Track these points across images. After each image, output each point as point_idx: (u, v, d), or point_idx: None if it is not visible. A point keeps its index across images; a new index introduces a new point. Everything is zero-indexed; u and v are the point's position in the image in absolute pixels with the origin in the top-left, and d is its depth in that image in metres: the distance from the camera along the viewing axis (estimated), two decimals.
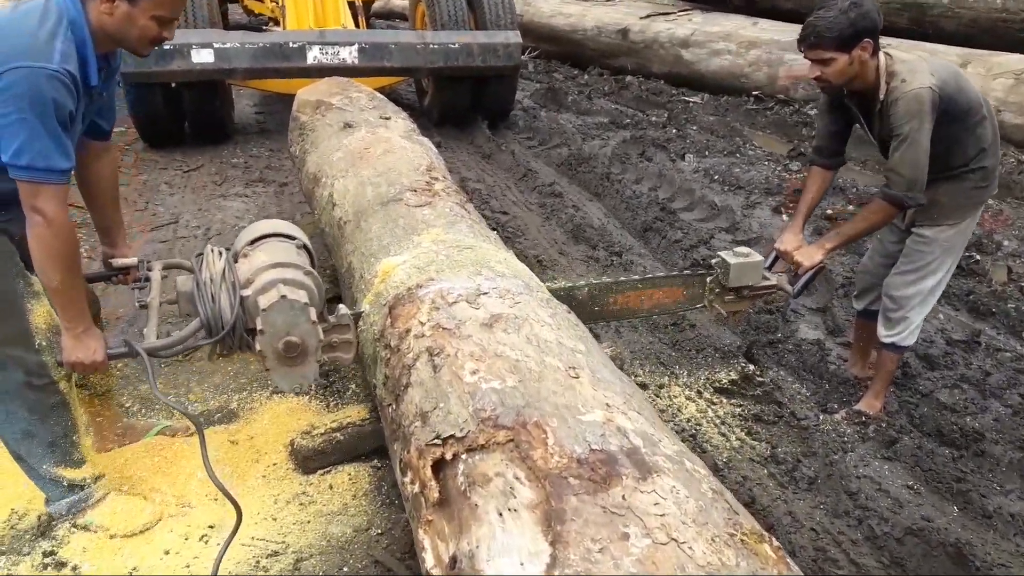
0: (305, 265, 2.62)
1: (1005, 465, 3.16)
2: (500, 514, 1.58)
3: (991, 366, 3.82)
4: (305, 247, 2.80)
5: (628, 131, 8.13)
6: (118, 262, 2.70)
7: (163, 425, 3.07)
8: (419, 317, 2.42)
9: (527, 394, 1.92)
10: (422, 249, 2.86)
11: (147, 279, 2.68)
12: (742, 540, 1.48)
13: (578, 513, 1.48)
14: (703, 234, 5.31)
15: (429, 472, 1.82)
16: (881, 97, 3.08)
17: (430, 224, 3.10)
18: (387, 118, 4.61)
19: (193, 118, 7.27)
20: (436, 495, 1.76)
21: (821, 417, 3.36)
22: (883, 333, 3.50)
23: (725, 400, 3.51)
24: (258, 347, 2.47)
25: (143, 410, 3.25)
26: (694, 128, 8.30)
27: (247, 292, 2.50)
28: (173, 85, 6.71)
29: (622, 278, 3.32)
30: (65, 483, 2.53)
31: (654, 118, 8.68)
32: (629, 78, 10.57)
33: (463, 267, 2.68)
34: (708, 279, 3.38)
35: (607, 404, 1.95)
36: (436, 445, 1.85)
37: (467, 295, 2.47)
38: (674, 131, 8.07)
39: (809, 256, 3.31)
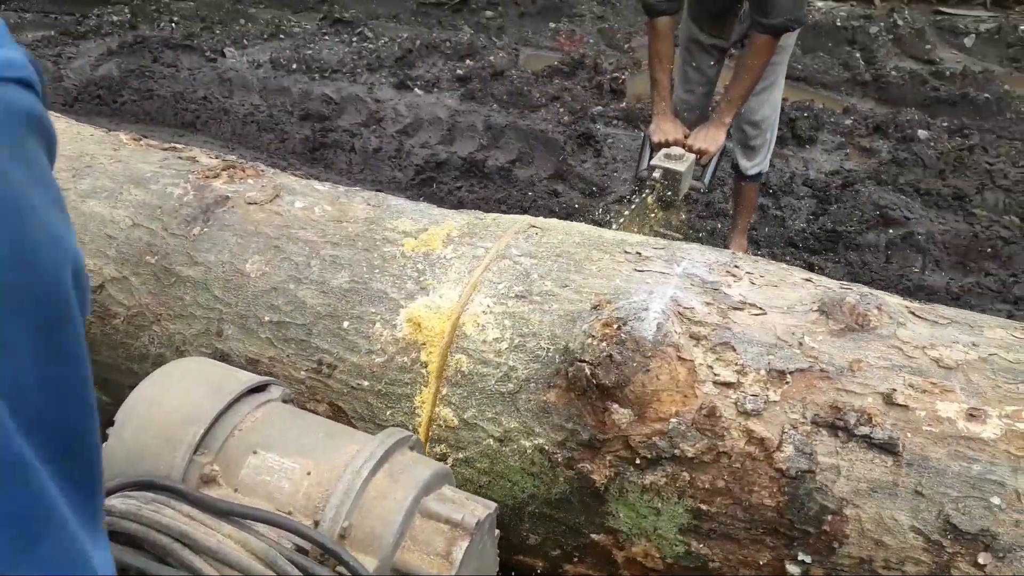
0: (400, 435, 1.16)
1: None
2: None
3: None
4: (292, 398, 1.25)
5: (101, 41, 6.07)
6: None
7: None
8: (717, 374, 1.29)
9: None
10: (462, 261, 1.54)
11: None
12: None
13: None
14: (378, 137, 4.30)
15: None
16: None
17: (365, 222, 1.69)
18: None
19: None
20: None
21: None
22: (747, 165, 3.30)
23: None
24: None
25: None
26: (177, 18, 6.61)
27: (371, 562, 1.00)
28: None
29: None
30: None
31: (116, 18, 6.63)
32: None
33: (591, 261, 1.52)
34: (649, 198, 2.69)
35: None
36: None
37: (707, 297, 1.40)
38: (172, 25, 6.30)
39: (713, 140, 2.88)
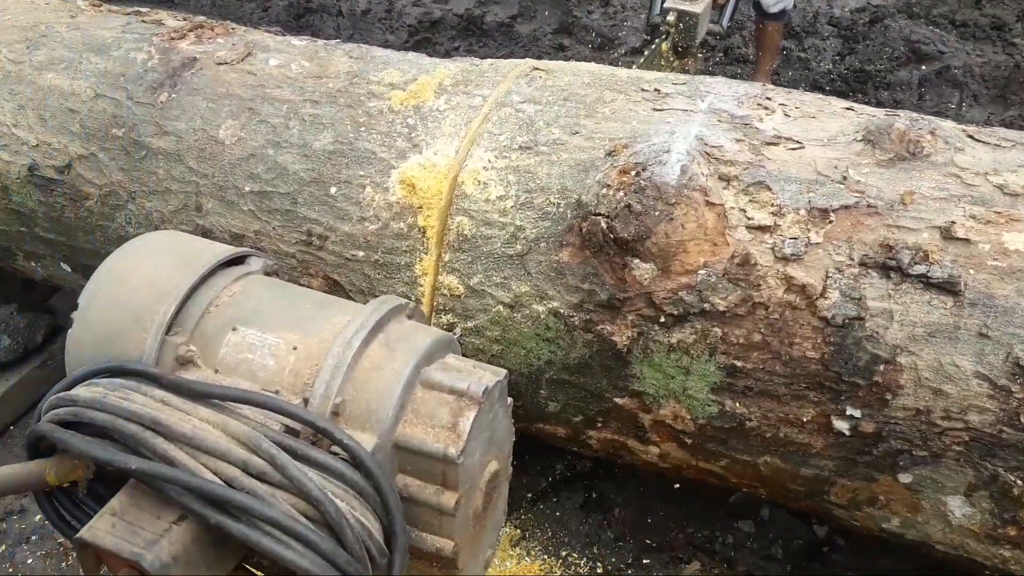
0: (396, 302, 1.02)
1: None
2: None
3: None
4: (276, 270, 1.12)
5: None
6: None
7: None
8: (747, 216, 1.14)
9: None
10: (457, 113, 1.37)
11: None
12: None
13: None
14: None
15: None
16: None
17: (347, 76, 1.51)
18: None
19: None
20: None
21: None
22: (769, 3, 3.03)
23: None
24: (452, 544, 0.95)
25: None
26: None
27: (368, 439, 0.88)
28: None
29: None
30: None
31: None
32: None
33: (603, 103, 1.34)
34: (664, 45, 2.48)
35: None
36: None
37: (737, 133, 1.23)
38: None
39: None
